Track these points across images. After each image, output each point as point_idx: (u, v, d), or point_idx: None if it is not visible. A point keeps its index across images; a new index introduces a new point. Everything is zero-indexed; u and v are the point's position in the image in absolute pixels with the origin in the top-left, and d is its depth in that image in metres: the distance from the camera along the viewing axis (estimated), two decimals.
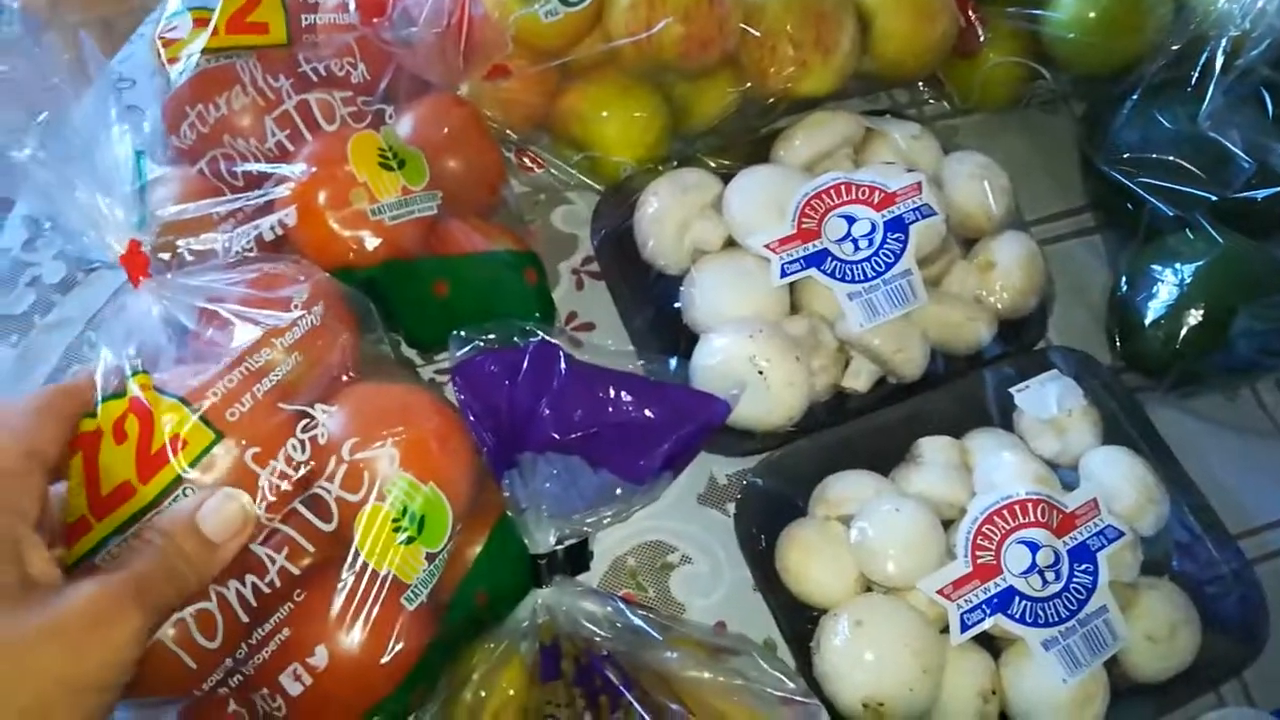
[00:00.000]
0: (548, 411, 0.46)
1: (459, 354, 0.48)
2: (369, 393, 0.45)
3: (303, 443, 0.42)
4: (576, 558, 0.48)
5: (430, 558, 0.42)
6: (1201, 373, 0.57)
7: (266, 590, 0.40)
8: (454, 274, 0.53)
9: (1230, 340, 0.55)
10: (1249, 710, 0.49)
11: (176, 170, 0.53)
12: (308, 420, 0.42)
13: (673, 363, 0.55)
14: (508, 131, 0.63)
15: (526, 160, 0.64)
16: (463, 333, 0.49)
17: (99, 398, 0.39)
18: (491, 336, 0.49)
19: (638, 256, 0.58)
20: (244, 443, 0.40)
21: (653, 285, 0.58)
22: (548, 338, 0.48)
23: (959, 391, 0.56)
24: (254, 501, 0.39)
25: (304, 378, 0.43)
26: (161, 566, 0.35)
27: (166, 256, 0.50)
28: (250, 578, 0.40)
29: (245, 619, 0.40)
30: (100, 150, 0.41)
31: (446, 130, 0.57)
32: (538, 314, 0.55)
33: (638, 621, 0.46)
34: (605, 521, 0.48)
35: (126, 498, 0.38)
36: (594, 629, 0.45)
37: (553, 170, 0.64)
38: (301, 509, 0.41)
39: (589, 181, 0.63)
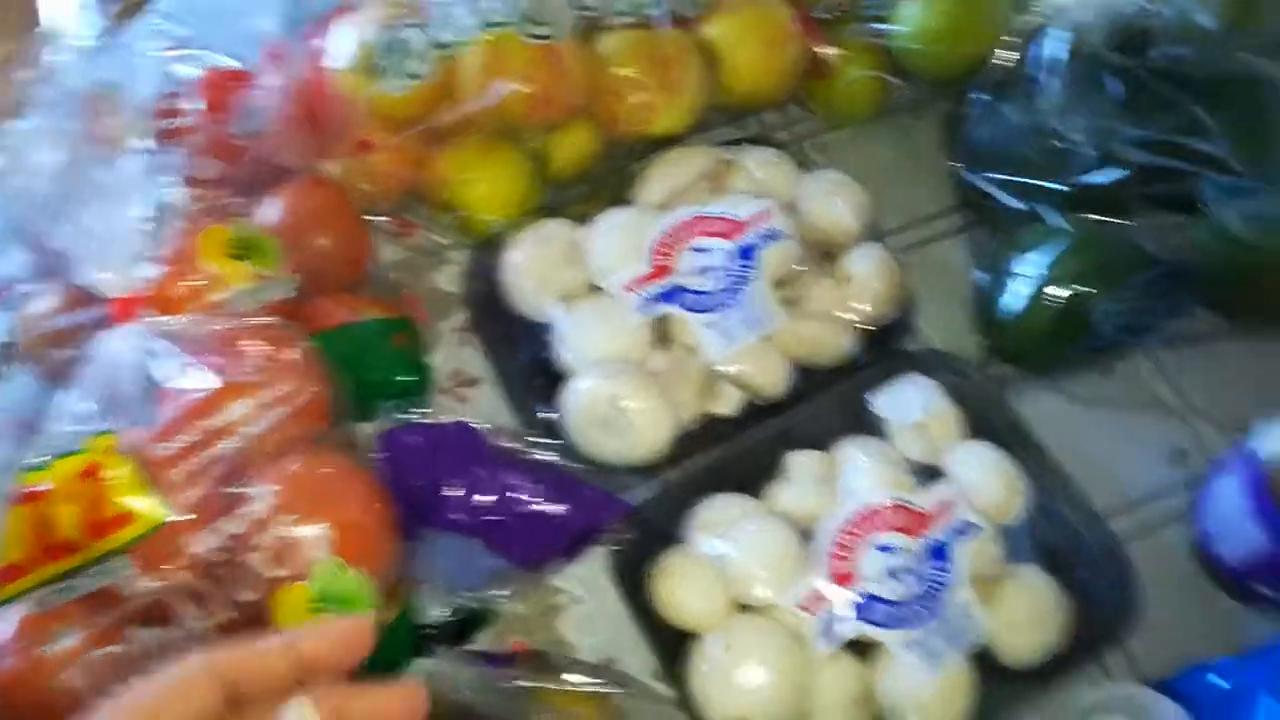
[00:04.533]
0: (460, 493, 0.47)
1: (384, 423, 0.51)
2: (312, 471, 0.46)
3: (241, 518, 0.44)
4: (462, 629, 0.50)
5: None
6: (1067, 358, 0.58)
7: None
8: (321, 348, 0.55)
9: (1092, 323, 0.56)
10: (1124, 685, 0.50)
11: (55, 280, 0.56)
12: (251, 498, 0.44)
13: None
14: (383, 201, 0.65)
15: (406, 226, 0.67)
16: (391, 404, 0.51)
17: (53, 453, 0.41)
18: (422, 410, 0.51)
19: (509, 309, 0.60)
20: (188, 519, 0.42)
21: (525, 336, 0.59)
22: (468, 422, 0.50)
23: (827, 404, 0.57)
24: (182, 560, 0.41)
25: (264, 448, 0.45)
26: None
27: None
28: (156, 631, 0.42)
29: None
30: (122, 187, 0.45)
31: (310, 211, 0.59)
32: (409, 376, 0.57)
33: (517, 684, 0.47)
34: (499, 601, 0.50)
35: (69, 552, 0.40)
36: (473, 695, 0.46)
37: (431, 234, 0.66)
38: (226, 574, 0.43)
39: (465, 241, 0.65)
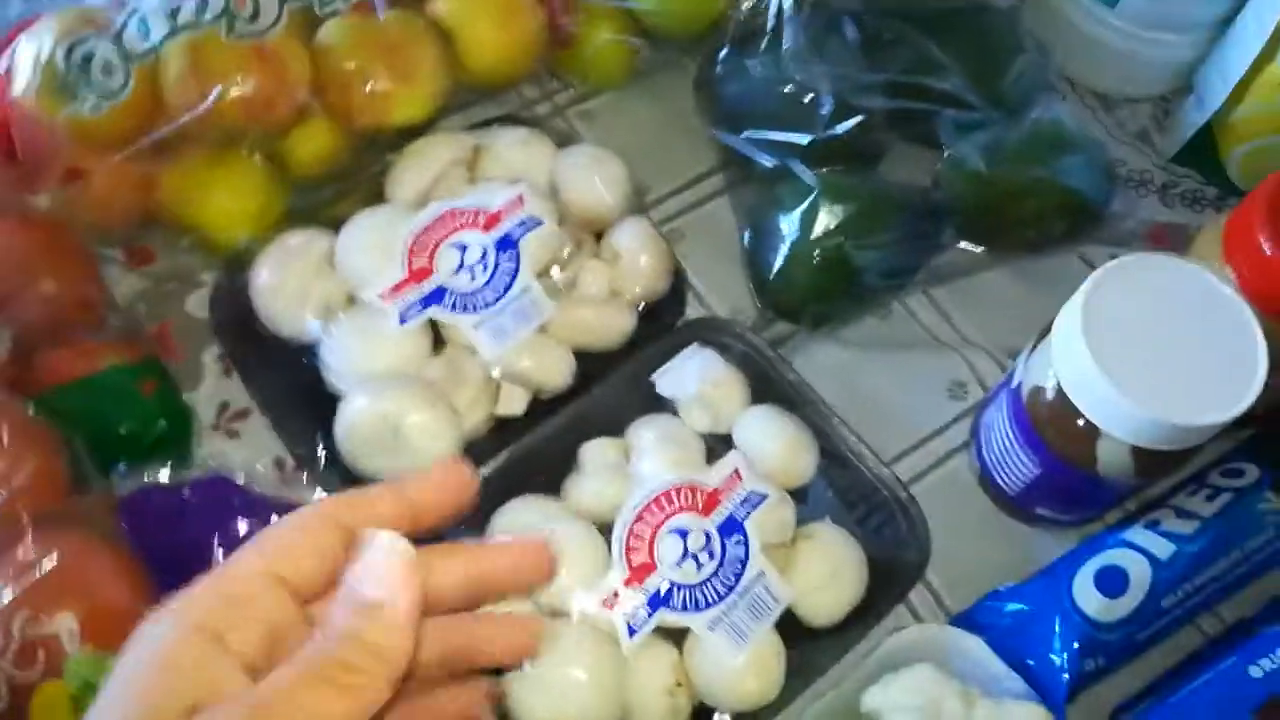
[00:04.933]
0: (220, 553, 0.44)
1: (123, 490, 0.46)
2: (44, 556, 0.42)
3: None
4: None
5: None
6: (839, 308, 0.59)
7: None
8: (55, 409, 0.50)
9: (855, 272, 0.57)
10: (924, 627, 0.51)
11: None
12: None
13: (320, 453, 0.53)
14: (112, 231, 0.59)
15: (141, 255, 0.61)
16: (124, 466, 0.47)
17: None
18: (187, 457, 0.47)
19: (266, 333, 0.56)
20: None
21: (287, 361, 0.55)
22: (224, 473, 0.46)
23: (614, 387, 0.56)
24: None
25: None
26: (310, 678, 0.28)
27: None
28: None
29: None
30: None
31: (20, 255, 0.54)
32: (165, 422, 0.52)
33: None
34: None
35: None
36: None
37: (172, 259, 0.61)
38: None
39: (211, 262, 0.60)
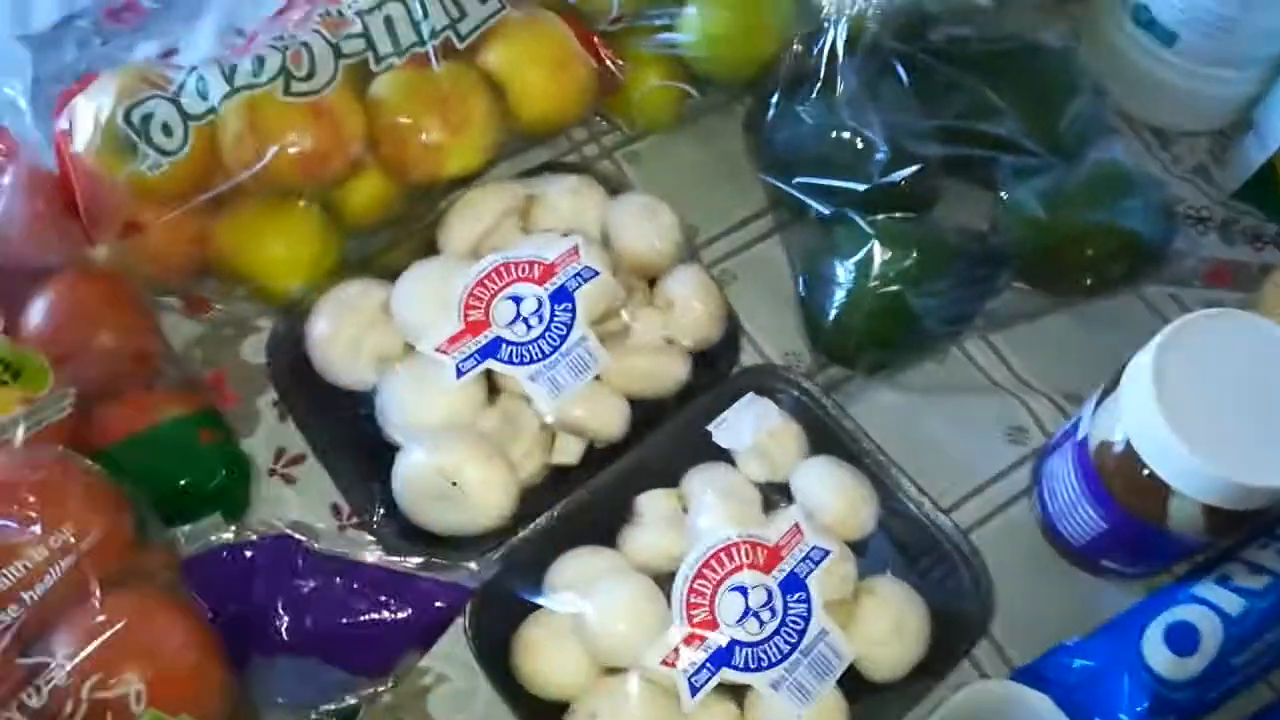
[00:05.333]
0: (284, 615, 0.44)
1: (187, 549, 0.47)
2: (113, 619, 0.42)
3: (39, 689, 0.40)
4: None
5: None
6: (893, 355, 0.58)
7: None
8: (118, 464, 0.50)
9: (914, 319, 0.56)
10: (988, 683, 0.50)
11: None
12: (47, 668, 0.40)
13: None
14: (168, 281, 0.60)
15: (198, 304, 0.61)
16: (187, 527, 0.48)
17: None
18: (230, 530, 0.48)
19: (323, 382, 0.56)
20: None
21: (344, 409, 0.56)
22: (289, 532, 0.47)
23: (669, 437, 0.55)
24: None
25: (54, 603, 0.41)
26: None
27: None
28: None
29: None
30: None
31: (81, 308, 0.54)
32: (225, 472, 0.53)
33: None
34: (355, 706, 0.47)
35: None
36: None
37: (228, 307, 0.61)
38: None
39: (265, 309, 0.61)
